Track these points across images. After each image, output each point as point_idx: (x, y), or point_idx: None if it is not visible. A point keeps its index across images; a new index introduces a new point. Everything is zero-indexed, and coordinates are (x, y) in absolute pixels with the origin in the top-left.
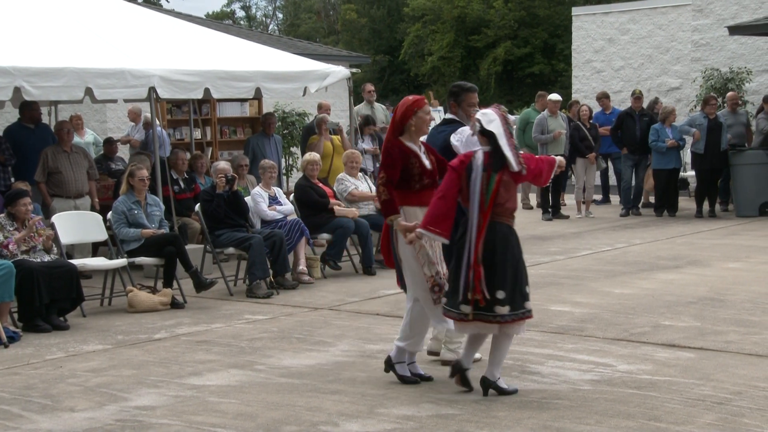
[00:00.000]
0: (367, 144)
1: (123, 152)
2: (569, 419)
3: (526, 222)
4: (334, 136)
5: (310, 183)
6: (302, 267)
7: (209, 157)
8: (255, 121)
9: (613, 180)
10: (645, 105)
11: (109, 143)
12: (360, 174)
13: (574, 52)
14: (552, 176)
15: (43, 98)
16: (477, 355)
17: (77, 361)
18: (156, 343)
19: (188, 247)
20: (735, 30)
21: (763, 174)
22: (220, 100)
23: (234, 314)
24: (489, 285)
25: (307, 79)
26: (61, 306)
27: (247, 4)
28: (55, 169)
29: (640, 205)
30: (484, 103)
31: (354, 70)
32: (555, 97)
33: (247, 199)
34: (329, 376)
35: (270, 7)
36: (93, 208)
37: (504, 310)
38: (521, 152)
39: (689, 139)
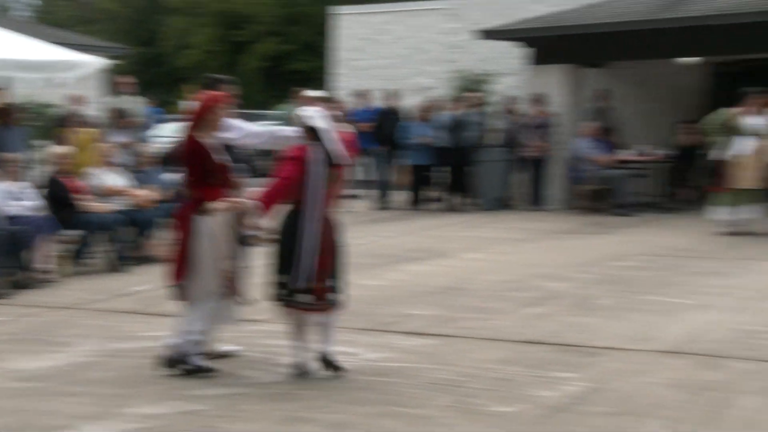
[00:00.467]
0: (121, 137)
1: None
2: (316, 409)
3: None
4: (86, 129)
5: (60, 177)
6: (48, 264)
7: None
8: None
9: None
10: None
11: None
12: (113, 168)
13: (335, 50)
14: None
15: None
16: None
17: None
18: None
19: None
20: (486, 34)
21: (504, 170)
22: None
23: None
24: (324, 274)
25: (55, 68)
26: None
27: None
28: None
29: (391, 199)
30: (248, 98)
31: (112, 61)
32: (311, 93)
33: None
34: (70, 377)
35: None
36: None
37: (335, 297)
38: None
39: (442, 136)
